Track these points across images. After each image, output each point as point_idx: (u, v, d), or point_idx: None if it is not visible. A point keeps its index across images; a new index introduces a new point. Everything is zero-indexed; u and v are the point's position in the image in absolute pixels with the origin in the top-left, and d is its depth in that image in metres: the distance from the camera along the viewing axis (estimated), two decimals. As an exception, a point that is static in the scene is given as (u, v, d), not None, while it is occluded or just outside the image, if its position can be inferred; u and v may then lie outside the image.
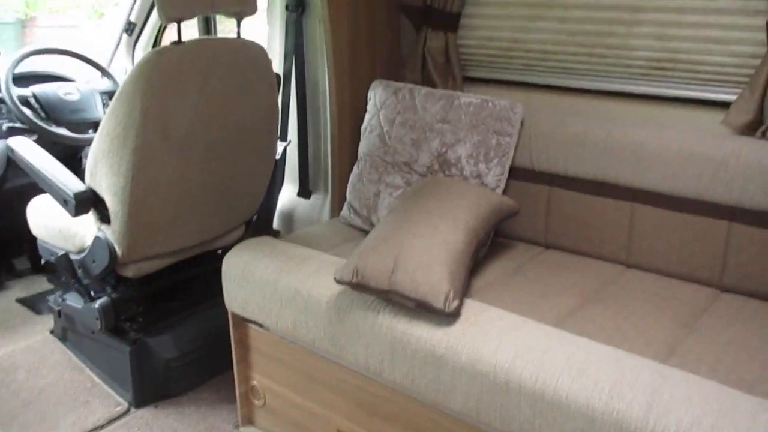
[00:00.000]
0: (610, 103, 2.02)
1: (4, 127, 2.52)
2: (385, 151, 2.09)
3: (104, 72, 2.80)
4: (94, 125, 2.61)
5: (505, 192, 1.99)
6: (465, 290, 1.57)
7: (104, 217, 1.96)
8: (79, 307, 2.20)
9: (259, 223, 2.66)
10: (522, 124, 1.97)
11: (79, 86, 2.70)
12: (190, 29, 2.27)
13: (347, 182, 2.25)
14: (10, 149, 2.12)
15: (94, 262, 2.03)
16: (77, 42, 3.21)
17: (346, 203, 2.19)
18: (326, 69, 2.28)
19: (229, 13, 1.96)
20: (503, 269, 1.86)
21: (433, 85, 2.27)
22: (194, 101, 1.85)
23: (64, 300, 2.29)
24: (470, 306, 1.51)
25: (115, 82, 2.79)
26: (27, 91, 2.54)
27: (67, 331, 2.45)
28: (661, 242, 1.80)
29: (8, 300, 2.77)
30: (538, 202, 2.00)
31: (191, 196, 2.01)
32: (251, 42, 2.01)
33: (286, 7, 2.32)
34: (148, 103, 1.75)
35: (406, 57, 2.37)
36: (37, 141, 2.51)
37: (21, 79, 2.67)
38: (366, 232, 2.13)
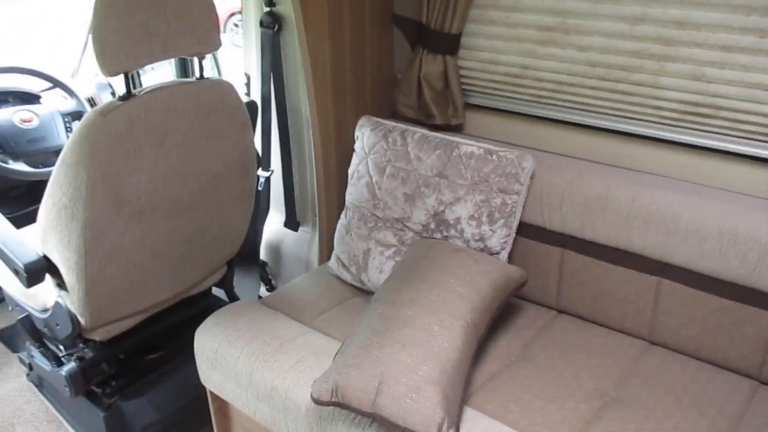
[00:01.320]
0: (634, 147, 1.73)
1: (-45, 164, 2.29)
2: (374, 205, 1.83)
3: (67, 91, 2.53)
4: (57, 154, 2.37)
5: (512, 251, 1.74)
6: (461, 410, 1.36)
7: (62, 285, 1.75)
8: (48, 369, 2.03)
9: (244, 257, 2.45)
10: (532, 176, 1.70)
11: (38, 110, 2.43)
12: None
13: (336, 221, 2.02)
14: None
15: (57, 325, 1.86)
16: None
17: (333, 254, 1.96)
18: (307, 95, 1.99)
19: (187, 54, 1.68)
20: (509, 349, 1.64)
21: (430, 115, 1.97)
22: (151, 160, 1.61)
23: (32, 357, 2.12)
24: (469, 422, 1.29)
25: (79, 101, 2.51)
26: None
27: (43, 380, 2.29)
28: (693, 324, 1.56)
29: (-19, 335, 2.61)
30: (550, 263, 1.75)
31: (158, 256, 1.79)
32: (216, 81, 1.75)
33: (261, 23, 2.01)
34: (95, 173, 1.51)
35: (400, 79, 2.06)
36: (-6, 176, 2.31)
37: None
38: (356, 289, 1.91)
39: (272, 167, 2.25)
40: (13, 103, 2.58)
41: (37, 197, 1.65)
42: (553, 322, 1.74)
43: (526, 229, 1.75)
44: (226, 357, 1.64)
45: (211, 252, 2.01)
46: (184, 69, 2.60)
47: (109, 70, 1.49)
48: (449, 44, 1.90)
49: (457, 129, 2.01)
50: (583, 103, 1.80)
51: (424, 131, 1.81)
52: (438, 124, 1.98)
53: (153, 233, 1.72)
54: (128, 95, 1.55)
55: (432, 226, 1.74)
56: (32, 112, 2.42)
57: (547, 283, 1.77)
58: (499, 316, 1.67)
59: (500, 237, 1.68)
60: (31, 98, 2.65)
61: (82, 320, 1.75)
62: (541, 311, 1.79)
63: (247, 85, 2.29)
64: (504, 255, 1.71)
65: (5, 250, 1.72)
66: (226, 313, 1.77)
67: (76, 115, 2.50)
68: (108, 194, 1.56)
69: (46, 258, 1.71)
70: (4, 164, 2.24)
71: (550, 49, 1.77)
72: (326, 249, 2.15)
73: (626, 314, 1.65)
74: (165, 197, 1.69)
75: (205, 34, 1.64)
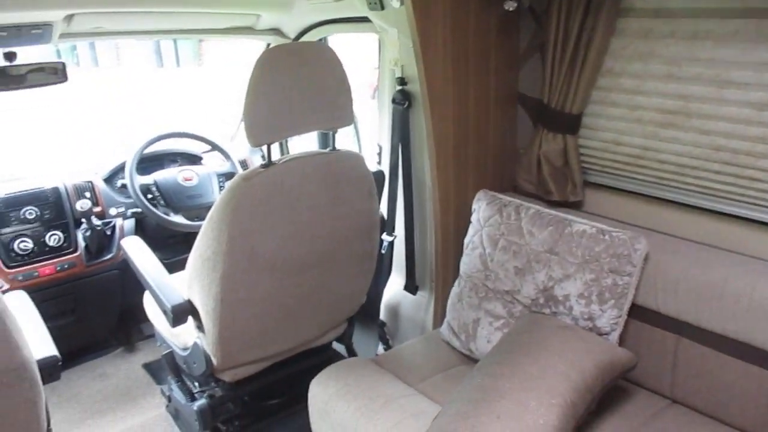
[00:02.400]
0: (758, 235, 1.65)
1: (129, 212, 2.65)
2: (486, 276, 1.89)
3: (224, 154, 2.86)
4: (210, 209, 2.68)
5: (623, 333, 1.71)
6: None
7: (201, 327, 1.96)
8: (183, 403, 2.25)
9: (364, 315, 2.57)
10: (646, 258, 1.68)
11: (199, 170, 2.77)
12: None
13: (451, 288, 2.09)
14: (122, 249, 2.21)
15: (194, 363, 2.07)
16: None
17: (445, 320, 2.03)
18: (429, 168, 2.12)
19: (322, 129, 1.87)
20: (614, 434, 1.59)
21: (548, 191, 2.02)
22: (284, 222, 1.79)
23: (171, 390, 2.36)
24: None
25: (233, 163, 2.83)
26: (149, 179, 2.64)
27: (179, 412, 2.52)
28: (821, 431, 1.44)
29: (135, 365, 2.92)
30: (665, 350, 1.69)
31: (284, 308, 1.96)
32: (346, 152, 1.92)
33: (393, 100, 2.19)
34: (235, 232, 1.72)
35: (522, 154, 2.13)
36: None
37: (151, 160, 2.81)
38: (464, 357, 1.95)
39: (396, 232, 2.38)
40: (180, 163, 2.96)
41: (190, 247, 1.89)
42: (664, 412, 1.67)
43: (638, 312, 1.72)
44: (335, 409, 1.74)
45: (333, 308, 2.15)
46: (325, 137, 2.85)
47: (255, 141, 1.71)
48: (569, 124, 1.95)
49: (575, 206, 2.03)
50: (705, 187, 1.76)
51: (539, 207, 1.85)
52: (556, 201, 2.02)
53: (281, 287, 1.89)
54: (269, 163, 1.76)
55: (541, 300, 1.76)
56: (194, 171, 2.76)
57: (661, 369, 1.70)
58: (607, 400, 1.64)
59: (610, 318, 1.67)
60: (195, 159, 3.03)
61: (214, 361, 1.94)
62: (652, 398, 1.72)
63: (379, 154, 2.47)
64: (614, 336, 1.69)
65: (157, 292, 1.97)
66: (339, 368, 1.88)
67: (230, 176, 2.82)
68: (244, 250, 1.75)
69: (189, 302, 1.93)
70: (166, 216, 2.57)
71: (672, 132, 1.77)
72: (440, 314, 2.23)
73: (746, 412, 1.55)
74: (293, 255, 1.86)
75: (339, 111, 1.83)
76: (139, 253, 2.15)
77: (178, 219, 2.59)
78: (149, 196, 2.62)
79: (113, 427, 2.51)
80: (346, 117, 1.86)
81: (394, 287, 2.49)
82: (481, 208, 1.96)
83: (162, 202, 2.63)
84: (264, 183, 1.73)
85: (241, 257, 1.75)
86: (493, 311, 1.85)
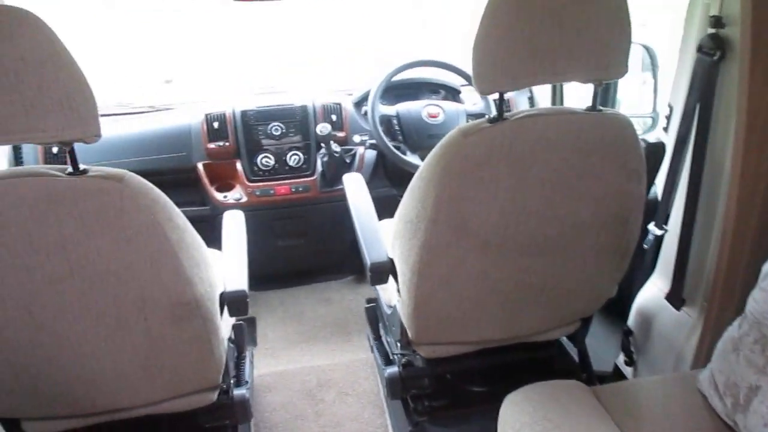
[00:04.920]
0: None
1: (368, 142, 2.46)
2: (786, 328, 1.26)
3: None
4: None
5: None
6: None
7: (400, 292, 1.73)
8: (378, 362, 2.08)
9: (608, 313, 2.09)
10: None
11: (446, 106, 2.44)
12: None
13: (727, 325, 1.48)
14: (343, 183, 2.04)
15: (393, 327, 1.88)
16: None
17: (709, 366, 1.45)
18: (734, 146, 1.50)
19: (580, 80, 1.40)
20: None
21: None
22: (507, 193, 1.42)
23: (373, 344, 2.21)
24: None
25: (487, 104, 2.44)
26: (392, 110, 2.40)
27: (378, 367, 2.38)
28: None
29: (360, 297, 2.82)
30: None
31: (498, 294, 1.62)
32: (611, 115, 1.44)
33: (699, 48, 1.56)
34: (444, 195, 1.40)
35: None
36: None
37: (409, 87, 2.58)
38: (726, 428, 1.38)
39: (669, 226, 1.81)
40: (444, 95, 2.67)
41: None
42: None
43: None
44: (521, 442, 1.36)
45: (563, 304, 1.74)
46: (553, 95, 2.28)
47: (481, 87, 1.34)
48: None
49: None
50: None
51: None
52: None
53: (496, 269, 1.55)
54: (498, 118, 1.37)
55: None
56: (440, 107, 2.44)
57: None
58: None
59: None
60: (455, 93, 2.71)
61: (409, 332, 1.71)
62: None
63: (668, 118, 1.86)
64: None
65: (362, 242, 1.77)
66: (544, 390, 1.48)
67: (479, 118, 2.46)
68: (452, 219, 1.44)
69: (392, 262, 1.69)
70: (401, 154, 2.32)
71: None
72: (706, 351, 1.64)
73: None
74: (516, 235, 1.49)
75: (608, 57, 1.34)
76: (355, 193, 1.97)
77: (413, 159, 2.32)
78: (390, 128, 2.39)
79: (321, 358, 2.47)
80: (618, 66, 1.37)
81: (653, 292, 1.92)
82: (801, 225, 1.30)
83: (400, 137, 2.38)
84: (487, 142, 1.36)
85: (447, 227, 1.44)
86: (785, 383, 1.24)
